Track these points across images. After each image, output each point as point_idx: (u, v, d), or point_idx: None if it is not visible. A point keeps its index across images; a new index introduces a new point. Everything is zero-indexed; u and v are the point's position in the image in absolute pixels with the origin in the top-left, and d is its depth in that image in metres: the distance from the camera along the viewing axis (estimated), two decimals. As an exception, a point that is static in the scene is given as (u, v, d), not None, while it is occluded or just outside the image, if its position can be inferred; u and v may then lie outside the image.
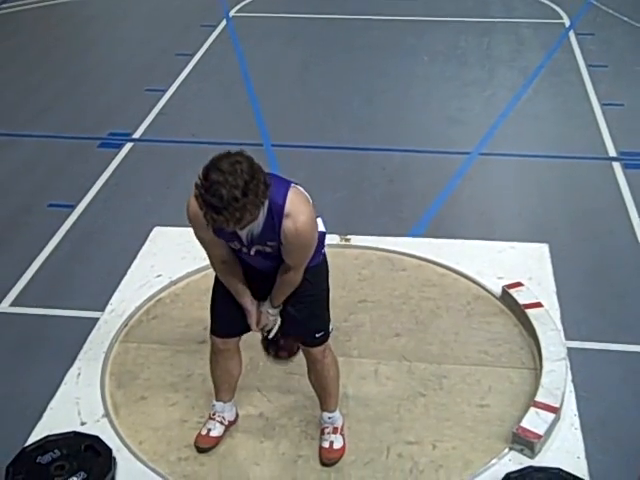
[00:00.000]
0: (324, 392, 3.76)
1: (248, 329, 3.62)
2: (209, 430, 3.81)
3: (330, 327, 3.66)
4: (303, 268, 3.35)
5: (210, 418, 3.84)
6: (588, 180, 6.29)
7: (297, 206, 3.13)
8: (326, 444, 3.75)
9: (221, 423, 3.83)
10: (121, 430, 3.88)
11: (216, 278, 3.61)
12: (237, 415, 3.95)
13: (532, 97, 7.73)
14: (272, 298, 3.48)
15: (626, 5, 10.19)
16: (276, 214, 3.10)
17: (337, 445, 3.75)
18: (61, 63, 8.83)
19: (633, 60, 8.55)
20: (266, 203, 3.02)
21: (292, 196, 3.14)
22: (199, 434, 3.81)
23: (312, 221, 3.19)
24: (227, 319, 3.63)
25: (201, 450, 3.77)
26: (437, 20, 9.81)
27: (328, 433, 3.77)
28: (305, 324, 3.56)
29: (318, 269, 3.50)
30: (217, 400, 3.85)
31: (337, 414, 3.80)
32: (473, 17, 9.93)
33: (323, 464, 3.71)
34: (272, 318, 3.55)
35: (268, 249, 3.27)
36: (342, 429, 3.81)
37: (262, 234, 3.18)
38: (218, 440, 3.81)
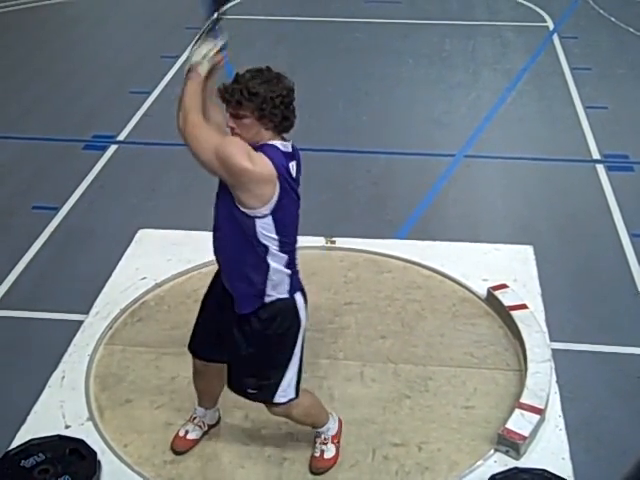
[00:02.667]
0: (307, 425, 3.73)
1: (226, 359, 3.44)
2: (186, 432, 3.81)
3: (291, 394, 3.41)
4: (195, 133, 3.18)
5: (190, 420, 3.83)
6: (572, 182, 6.32)
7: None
8: (317, 453, 3.72)
9: (200, 427, 3.82)
10: (106, 433, 3.86)
11: (205, 294, 3.56)
12: (219, 418, 3.93)
13: (516, 100, 7.76)
14: None
15: (613, 4, 10.26)
16: None
17: (328, 455, 3.72)
18: (45, 65, 8.78)
19: (616, 63, 8.60)
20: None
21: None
22: (176, 436, 3.80)
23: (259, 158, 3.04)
24: (208, 343, 3.55)
25: (177, 453, 3.76)
26: (422, 23, 9.83)
27: (319, 443, 3.73)
28: (239, 369, 3.38)
29: (278, 310, 3.26)
30: (199, 406, 3.84)
31: (327, 427, 3.73)
32: (458, 20, 9.96)
33: (312, 472, 3.69)
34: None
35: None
36: (336, 438, 3.76)
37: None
38: (195, 443, 3.80)
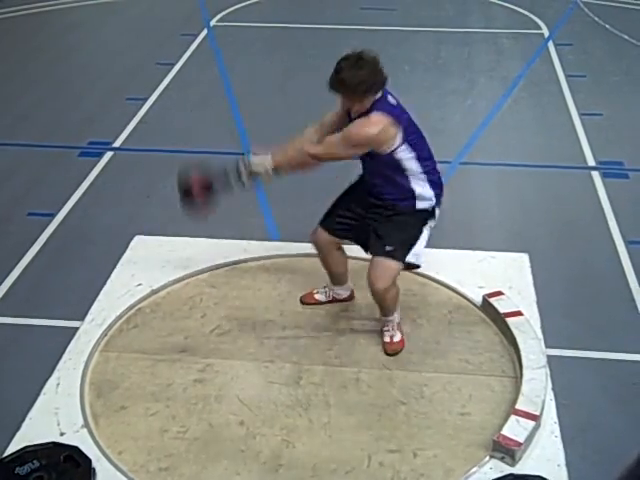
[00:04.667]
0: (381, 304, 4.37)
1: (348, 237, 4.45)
2: (316, 292, 4.77)
3: (409, 260, 4.22)
4: (319, 151, 4.06)
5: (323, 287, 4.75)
6: (568, 189, 6.33)
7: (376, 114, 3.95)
8: (387, 338, 4.43)
9: (326, 294, 4.75)
10: (101, 440, 3.85)
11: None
12: (351, 295, 4.79)
13: (512, 107, 7.78)
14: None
15: (608, 11, 10.30)
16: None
17: (396, 338, 4.42)
18: (41, 71, 8.79)
19: (611, 70, 8.64)
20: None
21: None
22: (308, 292, 4.77)
23: (373, 123, 3.93)
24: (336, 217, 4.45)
25: (303, 303, 4.76)
26: (417, 30, 9.86)
27: (387, 330, 4.42)
28: (383, 237, 4.19)
29: (410, 213, 4.19)
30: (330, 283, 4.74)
31: (393, 316, 4.40)
32: (453, 27, 9.99)
33: (387, 354, 4.39)
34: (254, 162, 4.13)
35: None
36: (399, 326, 4.45)
37: None
38: (319, 302, 4.75)
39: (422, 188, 4.17)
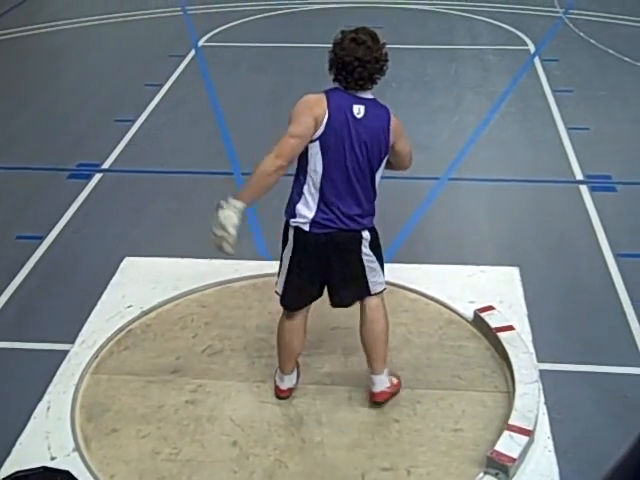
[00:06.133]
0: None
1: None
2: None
3: (279, 292, 3.98)
4: (275, 151, 3.60)
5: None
6: (556, 203, 6.36)
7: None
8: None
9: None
10: (92, 464, 3.82)
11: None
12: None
13: (499, 122, 7.82)
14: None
15: (593, 27, 10.38)
16: None
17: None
18: (29, 94, 8.79)
19: (597, 85, 8.69)
20: None
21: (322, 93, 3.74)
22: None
23: (304, 98, 3.77)
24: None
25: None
26: (403, 47, 9.89)
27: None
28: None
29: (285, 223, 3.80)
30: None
31: (277, 368, 4.19)
32: (439, 44, 10.05)
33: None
34: (225, 214, 3.58)
35: None
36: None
37: None
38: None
39: (303, 205, 3.72)
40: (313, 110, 3.63)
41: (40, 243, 5.80)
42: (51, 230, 5.97)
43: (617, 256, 5.53)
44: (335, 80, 3.73)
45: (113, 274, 5.27)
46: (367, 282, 3.92)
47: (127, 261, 5.41)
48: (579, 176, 6.70)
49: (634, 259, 5.52)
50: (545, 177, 6.74)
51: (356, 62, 3.63)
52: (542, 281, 5.28)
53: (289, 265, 3.85)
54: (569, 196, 6.42)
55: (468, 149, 7.20)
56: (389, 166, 3.93)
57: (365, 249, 3.82)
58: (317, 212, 3.70)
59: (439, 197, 6.40)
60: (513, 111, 8.08)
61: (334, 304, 4.05)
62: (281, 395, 4.20)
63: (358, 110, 3.65)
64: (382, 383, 4.12)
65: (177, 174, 6.74)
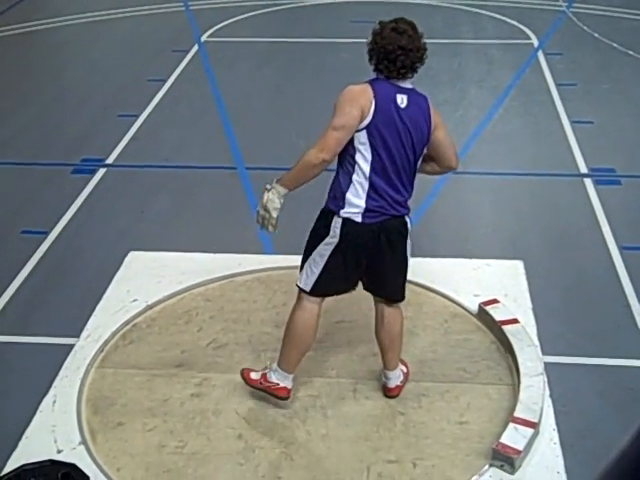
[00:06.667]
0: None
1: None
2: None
3: (307, 284, 3.88)
4: (320, 144, 3.59)
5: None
6: (561, 197, 6.35)
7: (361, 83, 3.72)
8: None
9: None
10: (98, 457, 3.83)
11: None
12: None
13: (503, 116, 7.81)
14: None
15: (596, 20, 10.36)
16: None
17: (252, 375, 4.10)
18: (33, 90, 8.80)
19: (601, 78, 8.68)
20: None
21: (366, 84, 3.72)
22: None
23: (349, 90, 3.70)
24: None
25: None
26: (408, 42, 9.88)
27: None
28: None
29: (322, 214, 3.80)
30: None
31: (275, 367, 4.04)
32: (443, 38, 10.02)
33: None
34: (268, 197, 3.69)
35: None
36: (265, 382, 4.05)
37: None
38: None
39: (353, 194, 3.70)
40: (359, 100, 3.62)
41: (45, 238, 5.81)
42: (56, 225, 5.98)
43: (621, 249, 5.53)
44: (376, 70, 3.75)
45: (118, 268, 5.27)
46: (404, 282, 4.02)
47: (132, 255, 5.42)
48: (583, 169, 6.69)
49: (638, 252, 5.52)
50: (549, 170, 6.74)
51: (399, 50, 3.65)
52: (547, 274, 5.28)
53: (329, 258, 3.77)
54: (573, 189, 6.41)
55: (472, 143, 7.19)
56: (436, 168, 3.99)
57: (408, 239, 3.90)
58: (368, 200, 3.68)
59: (443, 191, 6.40)
60: (517, 105, 8.07)
61: (380, 295, 4.05)
62: (283, 395, 4.04)
63: (401, 100, 3.68)
64: (397, 378, 4.15)
65: (181, 169, 6.75)
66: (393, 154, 3.67)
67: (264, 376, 4.05)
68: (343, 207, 3.69)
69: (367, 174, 3.66)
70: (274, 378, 4.03)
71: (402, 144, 3.68)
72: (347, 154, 3.68)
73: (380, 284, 3.97)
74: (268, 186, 3.72)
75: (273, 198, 3.70)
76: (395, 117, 3.64)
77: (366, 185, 3.67)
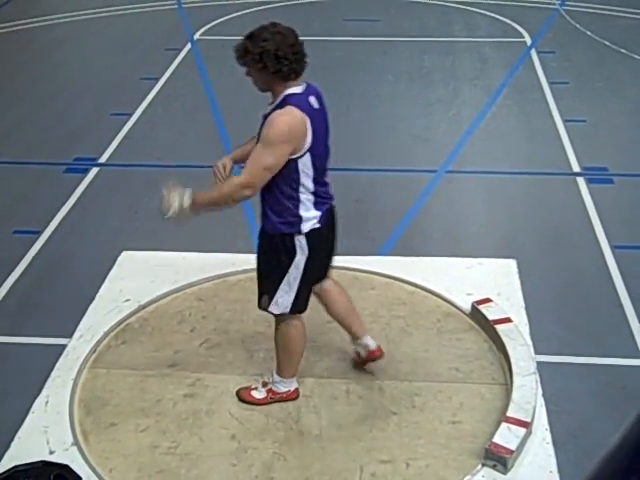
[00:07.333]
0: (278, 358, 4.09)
1: None
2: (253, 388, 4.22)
3: (286, 307, 3.84)
4: (246, 179, 3.52)
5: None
6: (553, 195, 6.36)
7: (291, 110, 3.49)
8: (252, 385, 4.18)
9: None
10: (91, 458, 3.83)
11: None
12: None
13: (496, 115, 7.81)
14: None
15: (589, 18, 10.38)
16: (280, 106, 3.54)
17: (256, 394, 4.14)
18: (25, 88, 8.77)
19: (594, 76, 8.69)
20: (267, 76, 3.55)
21: (294, 110, 3.49)
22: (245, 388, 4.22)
23: (288, 125, 3.47)
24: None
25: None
26: (401, 40, 9.89)
27: (261, 383, 4.15)
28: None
29: (277, 242, 3.72)
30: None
31: (280, 381, 4.08)
32: (436, 37, 10.03)
33: (236, 393, 4.18)
34: (172, 195, 3.61)
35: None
36: (274, 395, 4.10)
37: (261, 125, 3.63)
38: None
39: (305, 210, 3.69)
40: (298, 137, 3.51)
41: (37, 237, 5.80)
42: (48, 224, 5.96)
43: (614, 248, 5.54)
44: (277, 73, 3.53)
45: (110, 268, 5.27)
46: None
47: (125, 255, 5.41)
48: (576, 168, 6.70)
49: (631, 251, 5.53)
50: (542, 169, 6.74)
51: (296, 47, 3.56)
52: (539, 273, 5.28)
53: (304, 273, 3.78)
54: (566, 188, 6.42)
55: (465, 142, 7.20)
56: None
57: None
58: (317, 206, 3.71)
59: (436, 190, 6.41)
60: (510, 103, 8.08)
61: (327, 273, 4.07)
62: (296, 397, 4.16)
63: (313, 101, 3.63)
64: (373, 341, 4.23)
65: (174, 168, 6.73)
66: (323, 156, 3.71)
67: (271, 391, 4.11)
68: (301, 225, 3.69)
69: (312, 188, 3.67)
70: (283, 388, 4.11)
71: (325, 142, 3.73)
72: (290, 181, 3.62)
73: (331, 262, 4.06)
74: (180, 189, 3.64)
75: (175, 199, 3.63)
76: (319, 123, 3.63)
77: (312, 197, 3.69)
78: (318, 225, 3.73)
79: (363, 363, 4.31)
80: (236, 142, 7.17)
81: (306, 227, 3.71)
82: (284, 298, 3.83)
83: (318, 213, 3.72)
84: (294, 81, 3.59)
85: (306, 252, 3.74)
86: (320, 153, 3.67)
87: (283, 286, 3.80)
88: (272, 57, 3.49)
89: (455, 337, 4.62)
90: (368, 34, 10.04)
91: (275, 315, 3.94)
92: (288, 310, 3.87)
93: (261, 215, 3.78)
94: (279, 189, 3.63)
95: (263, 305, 3.92)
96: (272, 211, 3.69)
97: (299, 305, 3.89)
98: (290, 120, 3.48)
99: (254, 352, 4.50)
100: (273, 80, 3.56)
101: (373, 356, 4.24)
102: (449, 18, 10.76)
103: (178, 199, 3.62)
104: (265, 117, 3.62)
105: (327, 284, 4.10)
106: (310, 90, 3.65)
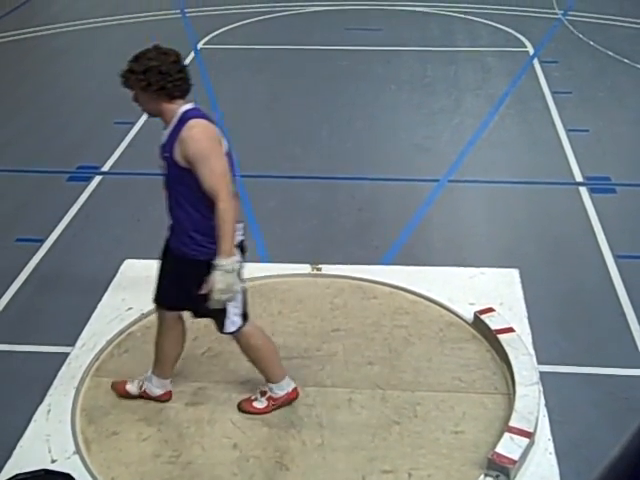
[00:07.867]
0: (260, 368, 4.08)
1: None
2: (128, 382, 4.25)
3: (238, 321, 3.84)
4: (223, 194, 3.47)
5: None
6: (556, 205, 6.36)
7: (197, 122, 3.53)
8: (252, 397, 4.12)
9: (139, 387, 4.21)
10: (93, 467, 3.82)
11: None
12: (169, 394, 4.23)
13: (499, 124, 7.82)
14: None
15: (592, 28, 10.40)
16: (181, 124, 3.54)
17: (257, 405, 4.11)
18: (29, 96, 8.80)
19: (596, 86, 8.70)
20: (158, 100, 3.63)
21: (199, 120, 3.55)
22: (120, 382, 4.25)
23: (205, 131, 3.53)
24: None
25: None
26: (403, 49, 9.92)
27: (259, 392, 4.10)
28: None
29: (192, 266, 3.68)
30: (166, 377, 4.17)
31: (276, 386, 4.06)
32: (439, 47, 10.05)
33: (238, 407, 4.13)
34: (217, 277, 3.47)
35: (163, 163, 3.69)
36: (275, 401, 4.09)
37: (164, 145, 3.67)
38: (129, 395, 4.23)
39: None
40: (220, 138, 3.61)
41: (40, 246, 5.80)
42: (51, 233, 5.97)
43: (617, 257, 5.53)
44: (162, 90, 3.59)
45: (113, 277, 5.27)
46: None
47: (127, 263, 5.41)
48: (578, 178, 6.71)
49: (634, 260, 5.52)
50: (544, 179, 6.75)
51: (179, 66, 3.67)
52: (542, 283, 5.28)
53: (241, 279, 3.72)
54: (569, 198, 6.42)
55: (468, 151, 7.21)
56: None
57: None
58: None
59: (439, 199, 6.41)
60: (512, 113, 8.09)
61: None
62: (297, 395, 4.18)
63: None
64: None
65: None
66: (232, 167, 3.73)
67: (271, 398, 4.11)
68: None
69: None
70: (280, 392, 4.11)
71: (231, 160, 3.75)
72: (204, 197, 3.57)
73: None
74: (220, 269, 3.49)
75: (226, 278, 3.50)
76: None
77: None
78: (241, 235, 3.76)
79: None
80: (238, 150, 7.22)
81: (236, 240, 3.63)
82: (235, 313, 3.82)
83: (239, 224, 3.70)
84: (181, 99, 3.61)
85: (241, 260, 3.70)
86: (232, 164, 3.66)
87: (233, 303, 3.73)
88: (156, 73, 3.55)
89: (458, 347, 4.61)
90: (370, 43, 10.05)
91: (233, 333, 3.91)
92: (241, 322, 3.87)
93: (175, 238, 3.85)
94: (202, 214, 3.68)
95: (226, 330, 3.87)
96: (199, 236, 3.72)
97: (244, 312, 3.89)
98: (203, 127, 3.54)
99: (256, 361, 4.49)
100: (159, 99, 3.59)
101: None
102: (452, 28, 10.79)
103: (228, 277, 3.52)
104: (164, 147, 3.66)
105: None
106: (203, 111, 3.66)
